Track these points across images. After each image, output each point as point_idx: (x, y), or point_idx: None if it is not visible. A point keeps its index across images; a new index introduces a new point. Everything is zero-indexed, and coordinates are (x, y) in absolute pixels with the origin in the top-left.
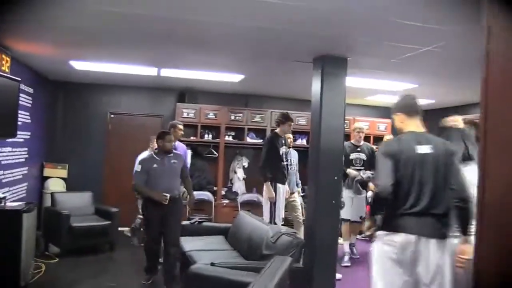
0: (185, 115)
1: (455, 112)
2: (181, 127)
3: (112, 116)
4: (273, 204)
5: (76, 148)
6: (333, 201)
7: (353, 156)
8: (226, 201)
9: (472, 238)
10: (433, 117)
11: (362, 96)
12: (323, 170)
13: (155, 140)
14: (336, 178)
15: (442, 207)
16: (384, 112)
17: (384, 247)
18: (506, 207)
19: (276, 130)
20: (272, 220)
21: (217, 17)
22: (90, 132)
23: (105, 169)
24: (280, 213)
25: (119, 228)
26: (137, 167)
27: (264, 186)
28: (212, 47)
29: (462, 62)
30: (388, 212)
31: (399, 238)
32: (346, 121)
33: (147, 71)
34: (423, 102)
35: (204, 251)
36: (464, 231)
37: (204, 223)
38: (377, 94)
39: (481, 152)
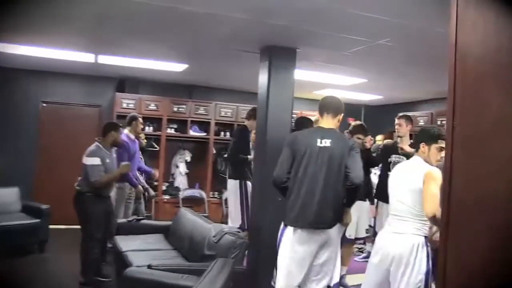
0: (124, 105)
1: (402, 109)
2: (141, 120)
3: (44, 105)
4: (244, 204)
5: (3, 140)
6: (279, 199)
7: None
8: (167, 197)
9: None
10: (381, 112)
11: (310, 90)
12: (269, 166)
13: (105, 131)
14: None
15: (332, 195)
16: None
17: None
18: (473, 203)
19: (245, 123)
20: (245, 222)
21: (154, 0)
22: (19, 123)
23: (37, 162)
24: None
25: (51, 227)
26: (95, 161)
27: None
28: (152, 34)
29: (410, 60)
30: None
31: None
32: (293, 115)
33: (84, 57)
34: (371, 97)
35: (142, 251)
36: (349, 205)
37: (142, 221)
38: (326, 89)
39: (448, 148)
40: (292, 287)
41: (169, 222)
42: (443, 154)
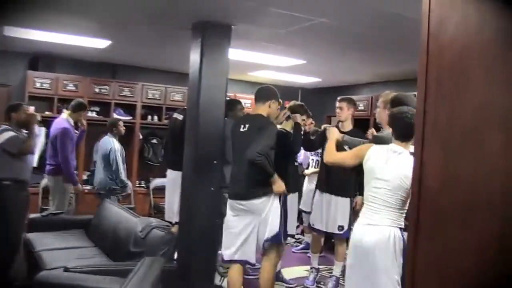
0: (38, 85)
1: (341, 93)
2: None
3: None
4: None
5: None
6: (212, 188)
7: None
8: (89, 187)
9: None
10: (319, 95)
11: (245, 71)
12: (201, 153)
13: (6, 114)
14: (215, 162)
15: (253, 172)
16: None
17: None
18: (449, 207)
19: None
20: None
21: None
22: None
23: None
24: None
25: None
26: (7, 134)
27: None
28: (71, 4)
29: (351, 40)
30: None
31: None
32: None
33: None
34: (309, 80)
35: (58, 250)
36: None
37: (60, 215)
38: (261, 70)
39: (418, 139)
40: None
41: (91, 216)
42: None
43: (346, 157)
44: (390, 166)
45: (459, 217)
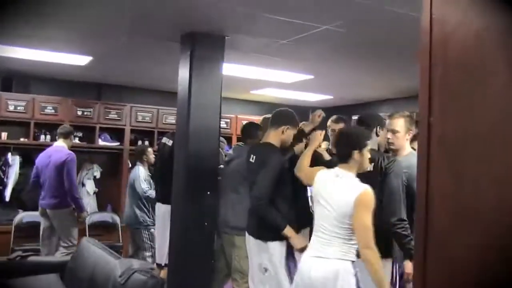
0: (11, 108)
1: (357, 111)
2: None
3: None
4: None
5: None
6: (206, 223)
7: None
8: None
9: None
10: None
11: (246, 89)
12: (192, 183)
13: None
14: (209, 193)
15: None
16: (274, 109)
17: None
18: (456, 227)
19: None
20: None
21: None
22: None
23: None
24: None
25: None
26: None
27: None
28: (46, 17)
29: (367, 50)
30: None
31: None
32: (226, 119)
33: None
34: (319, 98)
35: None
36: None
37: (31, 258)
38: (265, 88)
39: (423, 155)
40: None
41: (67, 258)
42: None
43: (305, 175)
44: (333, 192)
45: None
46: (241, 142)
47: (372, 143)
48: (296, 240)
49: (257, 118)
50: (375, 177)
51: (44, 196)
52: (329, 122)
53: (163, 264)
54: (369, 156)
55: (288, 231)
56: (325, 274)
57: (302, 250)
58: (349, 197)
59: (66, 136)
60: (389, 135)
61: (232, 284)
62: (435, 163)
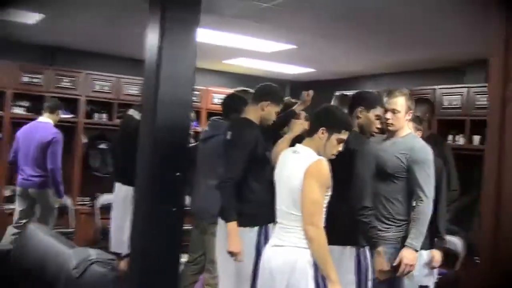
0: None
1: (340, 87)
2: None
3: None
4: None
5: None
6: (174, 209)
7: None
8: (12, 206)
9: None
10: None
11: (219, 59)
12: (160, 162)
13: None
14: (178, 174)
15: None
16: (248, 81)
17: None
18: None
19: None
20: None
21: None
22: None
23: None
24: None
25: None
26: None
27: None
28: None
29: (352, 18)
30: None
31: None
32: (196, 92)
33: None
34: (301, 71)
35: None
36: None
37: None
38: (239, 57)
39: (494, 132)
40: None
41: (8, 246)
42: (340, 148)
43: (274, 159)
44: (287, 169)
45: None
46: (218, 117)
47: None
48: (233, 240)
49: (229, 91)
50: (342, 159)
51: (27, 175)
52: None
53: (122, 254)
54: (338, 147)
55: (232, 226)
56: (282, 265)
57: (233, 254)
58: (300, 169)
59: (52, 110)
60: (389, 115)
61: (204, 275)
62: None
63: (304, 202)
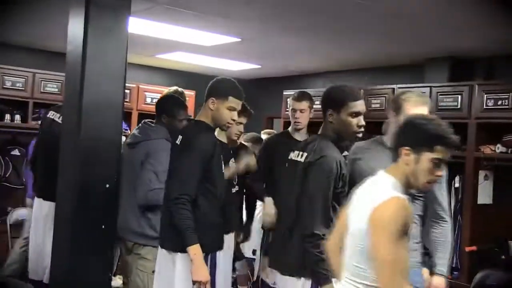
0: None
1: (287, 86)
2: None
3: None
4: None
5: None
6: (103, 226)
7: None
8: None
9: None
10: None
11: (151, 52)
12: (86, 172)
13: None
14: (108, 186)
15: None
16: (186, 79)
17: None
18: None
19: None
20: None
21: None
22: None
23: None
24: None
25: None
26: None
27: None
28: None
29: (300, 12)
30: None
31: None
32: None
33: None
34: (245, 67)
35: None
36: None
37: None
38: (175, 51)
39: None
40: None
41: None
42: (440, 173)
43: None
44: (356, 209)
45: None
46: (150, 120)
47: None
48: (198, 267)
49: (164, 89)
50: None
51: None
52: (290, 101)
53: (44, 281)
54: (435, 171)
55: (194, 250)
56: None
57: (200, 284)
58: (366, 213)
59: None
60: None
61: None
62: None
63: (373, 261)
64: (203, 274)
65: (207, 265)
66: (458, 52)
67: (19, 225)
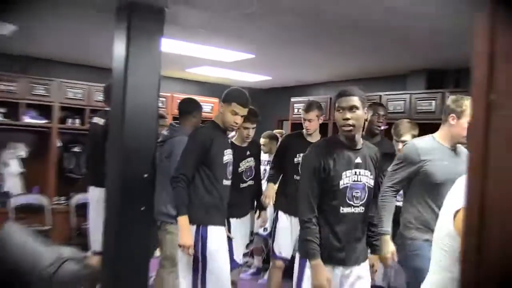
0: None
1: (294, 93)
2: None
3: None
4: None
5: None
6: (142, 208)
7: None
8: None
9: None
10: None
11: (182, 67)
12: (128, 165)
13: None
14: (146, 176)
15: None
16: (211, 89)
17: None
18: None
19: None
20: None
21: None
22: None
23: None
24: None
25: None
26: None
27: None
28: None
29: (305, 31)
30: None
31: None
32: (162, 98)
33: None
34: (259, 78)
35: None
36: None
37: None
38: (202, 66)
39: (478, 135)
40: None
41: None
42: None
43: None
44: (448, 202)
45: None
46: (176, 121)
47: None
48: (183, 233)
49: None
50: None
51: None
52: (301, 112)
53: (97, 251)
54: None
55: (181, 220)
56: None
57: (183, 247)
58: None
59: None
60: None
61: (159, 270)
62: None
63: None
64: (187, 239)
65: (198, 235)
66: (433, 66)
67: (79, 207)
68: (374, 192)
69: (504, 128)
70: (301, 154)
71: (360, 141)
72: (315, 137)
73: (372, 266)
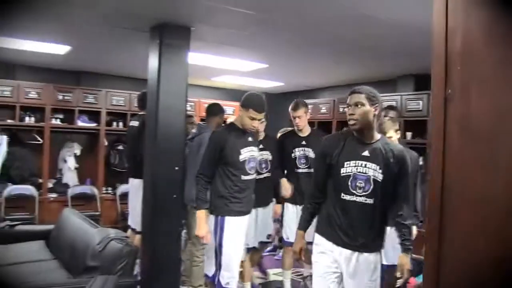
0: None
1: (304, 97)
2: None
3: None
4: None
5: None
6: (174, 196)
7: (297, 153)
8: (54, 195)
9: None
10: (282, 100)
11: (207, 76)
12: (161, 160)
13: None
14: (177, 168)
15: None
16: (232, 94)
17: None
18: (470, 204)
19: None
20: None
21: None
22: None
23: None
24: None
25: None
26: None
27: None
28: (26, 8)
29: (312, 43)
30: None
31: None
32: (191, 103)
33: None
34: (273, 84)
35: (14, 265)
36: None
37: (19, 226)
38: (224, 75)
39: (438, 131)
40: None
41: (51, 226)
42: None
43: None
44: None
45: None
46: (204, 122)
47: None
48: (199, 226)
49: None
50: None
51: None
52: (290, 110)
53: (137, 230)
54: None
55: (199, 214)
56: None
57: (199, 237)
58: None
59: None
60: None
61: (189, 246)
62: (451, 137)
63: None
64: (202, 230)
65: (217, 225)
66: (420, 71)
67: (123, 196)
68: (386, 187)
69: (458, 117)
70: (297, 149)
71: (373, 136)
72: (306, 131)
73: (400, 265)
